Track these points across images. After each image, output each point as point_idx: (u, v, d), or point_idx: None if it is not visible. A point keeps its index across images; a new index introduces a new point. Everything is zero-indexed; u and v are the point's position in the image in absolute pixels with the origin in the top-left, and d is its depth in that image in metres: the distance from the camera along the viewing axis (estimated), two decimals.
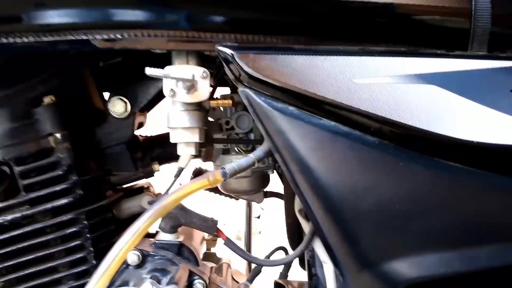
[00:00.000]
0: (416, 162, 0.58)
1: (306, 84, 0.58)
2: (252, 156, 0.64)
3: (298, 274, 1.09)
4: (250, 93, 0.60)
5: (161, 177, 0.95)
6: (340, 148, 0.58)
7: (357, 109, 0.57)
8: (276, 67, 0.58)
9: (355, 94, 0.57)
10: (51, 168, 0.73)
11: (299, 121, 0.59)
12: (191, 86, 0.62)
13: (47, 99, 0.73)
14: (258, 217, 2.74)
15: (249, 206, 1.33)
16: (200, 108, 0.69)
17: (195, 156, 0.88)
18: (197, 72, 0.63)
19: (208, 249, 1.18)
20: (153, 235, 0.91)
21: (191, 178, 1.12)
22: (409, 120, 0.56)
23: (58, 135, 0.72)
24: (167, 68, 0.63)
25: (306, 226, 0.83)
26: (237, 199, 1.20)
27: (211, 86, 0.67)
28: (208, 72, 0.64)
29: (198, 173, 1.12)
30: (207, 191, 1.11)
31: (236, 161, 0.61)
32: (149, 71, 0.57)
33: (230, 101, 0.73)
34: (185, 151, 0.70)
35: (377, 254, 0.59)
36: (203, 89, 0.64)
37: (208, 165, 1.00)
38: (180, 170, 0.74)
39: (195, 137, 0.69)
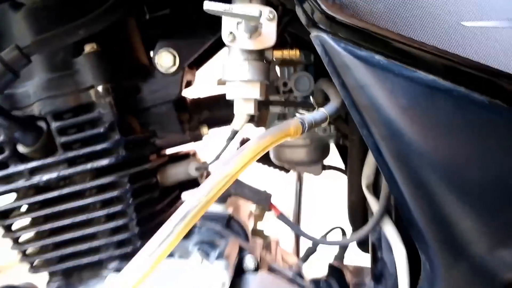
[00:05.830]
0: None
1: (399, 27, 0.46)
2: (324, 111, 0.54)
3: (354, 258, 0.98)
4: (327, 38, 0.49)
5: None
6: (440, 108, 0.47)
7: (465, 59, 0.45)
8: (362, 4, 0.47)
9: (463, 41, 0.45)
10: (92, 125, 0.65)
11: (388, 73, 0.47)
12: (254, 28, 0.51)
13: (89, 47, 0.64)
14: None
15: (299, 181, 1.22)
16: (262, 58, 0.58)
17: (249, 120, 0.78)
18: (264, 11, 0.52)
19: (254, 225, 1.09)
20: None
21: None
22: None
23: (100, 88, 0.64)
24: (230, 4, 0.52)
25: (374, 204, 0.72)
26: (288, 171, 1.10)
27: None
28: (275, 13, 0.53)
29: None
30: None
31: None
32: (208, 5, 0.47)
33: (298, 52, 0.61)
34: (243, 109, 0.59)
35: (484, 241, 0.48)
36: (269, 34, 0.53)
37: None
38: (234, 133, 0.64)
39: (256, 92, 0.58)
